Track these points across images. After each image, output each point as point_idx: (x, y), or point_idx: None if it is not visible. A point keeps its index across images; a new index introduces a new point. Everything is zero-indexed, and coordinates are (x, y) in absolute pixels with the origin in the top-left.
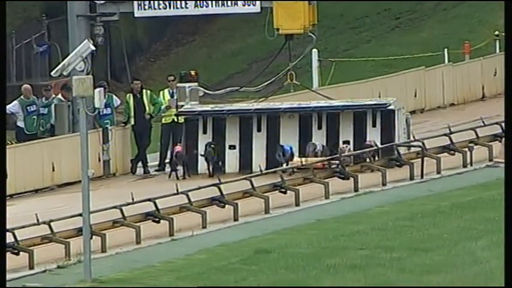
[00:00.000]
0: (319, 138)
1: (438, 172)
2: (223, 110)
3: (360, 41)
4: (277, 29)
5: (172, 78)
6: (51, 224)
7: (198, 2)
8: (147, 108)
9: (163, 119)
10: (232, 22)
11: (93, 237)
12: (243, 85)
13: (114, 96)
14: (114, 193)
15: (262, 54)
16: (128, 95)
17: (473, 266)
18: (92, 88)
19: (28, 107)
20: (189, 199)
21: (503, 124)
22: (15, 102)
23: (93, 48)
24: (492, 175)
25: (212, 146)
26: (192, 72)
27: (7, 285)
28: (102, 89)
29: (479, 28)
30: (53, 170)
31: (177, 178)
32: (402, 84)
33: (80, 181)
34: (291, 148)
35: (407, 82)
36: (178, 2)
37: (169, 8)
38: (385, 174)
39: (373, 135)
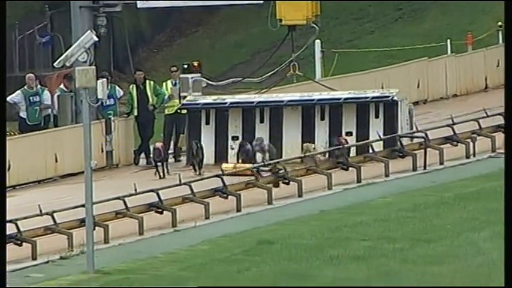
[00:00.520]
0: (322, 130)
1: (441, 163)
2: (225, 103)
3: (363, 32)
4: (280, 20)
5: (175, 69)
6: (54, 214)
7: None
8: (150, 99)
9: (166, 110)
10: (235, 13)
11: (96, 228)
12: (246, 76)
13: (117, 87)
14: (117, 184)
15: (265, 45)
16: (131, 86)
17: (476, 257)
18: (95, 79)
19: (31, 97)
20: (191, 190)
21: None
22: (18, 92)
23: (96, 39)
24: (495, 166)
25: (197, 143)
26: (195, 63)
27: (10, 279)
28: (105, 79)
29: (482, 19)
30: (56, 161)
31: (160, 177)
32: (405, 75)
33: (82, 172)
34: (251, 146)
35: (410, 73)
36: None
37: None
38: (388, 165)
39: (376, 126)
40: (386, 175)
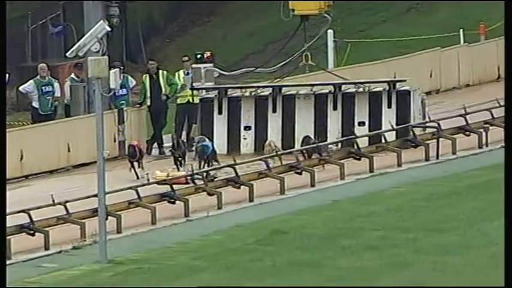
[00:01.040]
0: (334, 119)
1: (454, 153)
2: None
3: (375, 22)
4: (293, 10)
5: (186, 58)
6: (67, 204)
7: None
8: (163, 89)
9: (178, 100)
10: (248, 3)
11: (109, 218)
12: (258, 66)
13: (130, 77)
14: (130, 174)
15: (278, 35)
16: (144, 75)
17: (489, 247)
18: (108, 69)
19: (43, 87)
20: (204, 180)
21: None
22: (30, 81)
23: (109, 29)
24: None
25: (177, 137)
26: (208, 53)
27: (23, 269)
28: (117, 69)
29: (494, 9)
30: (69, 151)
31: (137, 177)
32: (418, 65)
33: (95, 162)
34: (212, 145)
35: (423, 63)
36: None
37: None
38: (401, 155)
39: (389, 116)
40: (399, 165)
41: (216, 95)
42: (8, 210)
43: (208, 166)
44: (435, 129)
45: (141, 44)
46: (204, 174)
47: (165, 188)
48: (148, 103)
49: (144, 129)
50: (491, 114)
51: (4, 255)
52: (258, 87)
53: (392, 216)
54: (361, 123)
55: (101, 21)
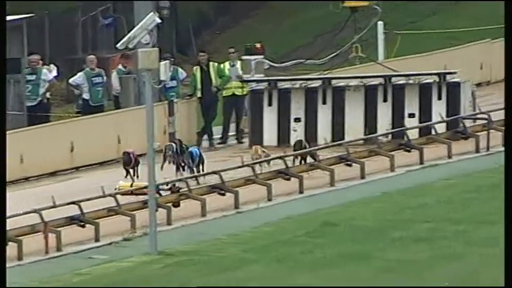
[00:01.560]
0: (384, 111)
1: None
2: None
3: (425, 14)
4: (343, 2)
5: (232, 50)
6: (117, 196)
7: None
8: (213, 80)
9: (223, 92)
10: None
11: (159, 209)
12: (308, 58)
13: (180, 69)
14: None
15: (327, 28)
16: (195, 67)
17: None
18: (158, 61)
19: (93, 79)
20: (254, 172)
21: None
22: (80, 73)
23: (159, 20)
24: None
25: (178, 144)
26: (257, 45)
27: (73, 260)
28: (167, 61)
29: None
30: (119, 143)
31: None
32: (468, 56)
33: (145, 154)
34: (199, 152)
35: (473, 54)
36: None
37: None
38: (451, 147)
39: (439, 108)
40: (449, 157)
41: (266, 87)
42: (58, 202)
43: (197, 172)
44: (485, 121)
45: (191, 36)
46: (173, 184)
47: (215, 180)
48: (199, 95)
49: (194, 121)
50: None
51: (4, 255)
52: (308, 79)
53: (443, 208)
54: (411, 115)
55: (151, 13)
